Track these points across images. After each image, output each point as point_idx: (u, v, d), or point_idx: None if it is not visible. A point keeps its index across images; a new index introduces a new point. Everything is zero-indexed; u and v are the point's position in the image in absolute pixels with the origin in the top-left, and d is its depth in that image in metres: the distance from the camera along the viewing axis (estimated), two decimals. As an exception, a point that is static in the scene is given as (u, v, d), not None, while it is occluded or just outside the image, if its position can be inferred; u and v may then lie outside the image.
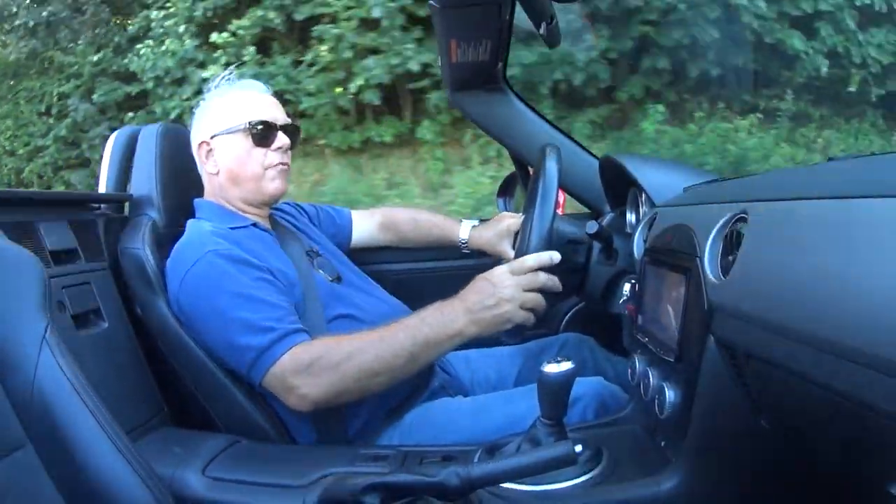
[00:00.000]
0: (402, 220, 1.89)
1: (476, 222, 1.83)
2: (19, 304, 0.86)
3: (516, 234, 1.65)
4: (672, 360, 1.08)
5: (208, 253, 1.35)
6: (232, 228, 1.45)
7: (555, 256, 1.31)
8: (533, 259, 1.30)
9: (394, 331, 1.28)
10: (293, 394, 1.28)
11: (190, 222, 1.47)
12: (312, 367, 1.26)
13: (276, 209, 1.66)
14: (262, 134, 1.47)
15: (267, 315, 1.31)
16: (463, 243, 1.80)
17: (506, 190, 2.15)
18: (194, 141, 1.53)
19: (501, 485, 1.03)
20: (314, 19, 6.73)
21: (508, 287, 1.27)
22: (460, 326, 1.28)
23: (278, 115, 1.51)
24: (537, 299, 1.30)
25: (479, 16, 1.47)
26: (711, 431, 0.99)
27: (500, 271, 1.30)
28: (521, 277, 1.28)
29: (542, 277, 1.30)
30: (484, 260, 1.80)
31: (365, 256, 1.84)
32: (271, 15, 6.86)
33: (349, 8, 6.47)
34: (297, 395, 1.27)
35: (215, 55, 6.97)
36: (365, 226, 1.85)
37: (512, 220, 1.69)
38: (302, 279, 1.43)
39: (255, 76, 1.75)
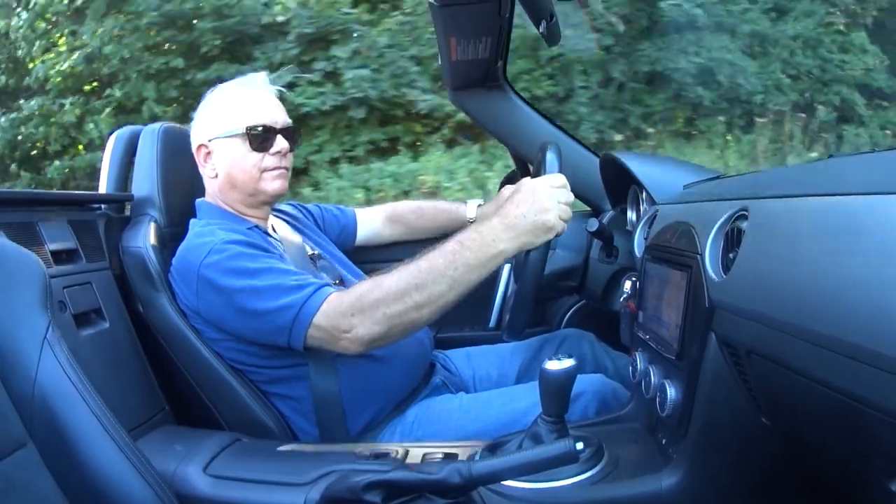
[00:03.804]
0: (407, 210, 1.88)
1: (482, 201, 1.83)
2: (20, 304, 0.86)
3: None
4: (673, 357, 1.08)
5: (220, 241, 1.34)
6: (235, 230, 1.44)
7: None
8: (564, 178, 1.28)
9: (432, 259, 1.25)
10: (343, 338, 1.25)
11: (193, 222, 1.47)
12: (355, 308, 1.24)
13: (279, 210, 1.65)
14: (261, 138, 1.45)
15: (293, 277, 1.30)
16: (471, 222, 1.78)
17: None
18: (193, 143, 1.52)
19: (503, 482, 1.03)
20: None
21: (547, 196, 1.24)
22: (502, 245, 1.24)
23: (278, 116, 1.48)
24: (569, 213, 1.27)
25: (478, 14, 1.47)
26: (712, 429, 1.00)
27: (536, 181, 1.27)
28: (557, 189, 1.26)
29: (572, 195, 1.28)
30: None
31: (368, 254, 1.84)
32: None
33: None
34: (348, 337, 1.25)
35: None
36: (370, 222, 1.85)
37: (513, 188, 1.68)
38: None
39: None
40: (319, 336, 1.27)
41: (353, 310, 1.24)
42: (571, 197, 1.27)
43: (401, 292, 1.23)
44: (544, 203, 1.23)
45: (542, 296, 1.89)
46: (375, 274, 1.29)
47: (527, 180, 1.28)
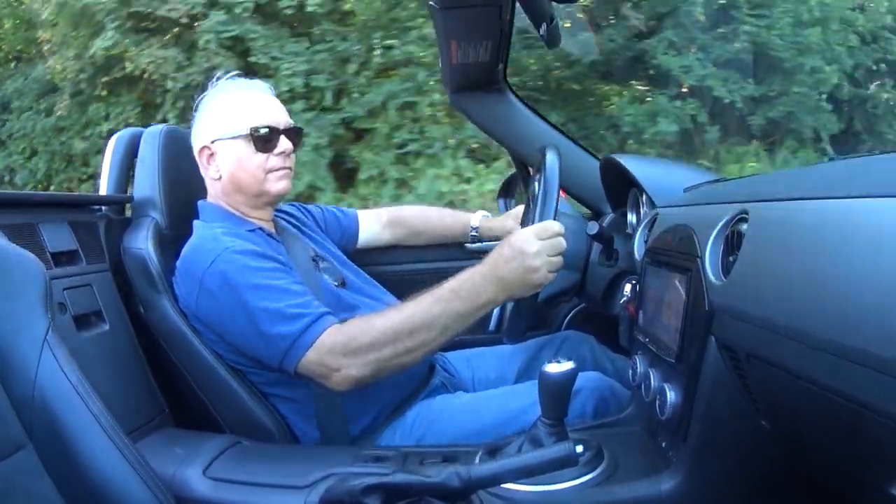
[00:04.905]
0: (411, 214, 1.90)
1: (488, 213, 1.85)
2: (20, 306, 0.86)
3: None
4: (673, 360, 1.08)
5: (225, 250, 1.34)
6: (238, 234, 1.44)
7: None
8: (557, 224, 1.29)
9: (426, 305, 1.27)
10: (334, 375, 1.27)
11: (197, 224, 1.46)
12: (347, 349, 1.26)
13: (281, 211, 1.65)
14: (265, 139, 1.45)
15: (294, 302, 1.31)
16: (474, 229, 1.82)
17: (507, 191, 2.16)
18: (195, 145, 1.51)
19: (502, 485, 1.03)
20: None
21: (537, 254, 1.25)
22: (492, 295, 1.27)
23: (281, 118, 1.48)
24: (560, 262, 1.28)
25: (479, 16, 1.47)
26: (712, 432, 0.99)
27: (526, 235, 1.27)
28: (547, 242, 1.26)
29: (564, 242, 1.29)
30: None
31: (370, 257, 1.84)
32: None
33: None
34: (339, 376, 1.27)
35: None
36: (372, 225, 1.85)
37: (522, 208, 1.69)
38: (307, 284, 1.42)
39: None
40: (310, 369, 1.29)
41: (345, 350, 1.26)
42: (563, 245, 1.28)
43: (393, 337, 1.26)
44: (533, 262, 1.25)
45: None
46: (394, 306, 1.33)
47: (522, 233, 1.29)
